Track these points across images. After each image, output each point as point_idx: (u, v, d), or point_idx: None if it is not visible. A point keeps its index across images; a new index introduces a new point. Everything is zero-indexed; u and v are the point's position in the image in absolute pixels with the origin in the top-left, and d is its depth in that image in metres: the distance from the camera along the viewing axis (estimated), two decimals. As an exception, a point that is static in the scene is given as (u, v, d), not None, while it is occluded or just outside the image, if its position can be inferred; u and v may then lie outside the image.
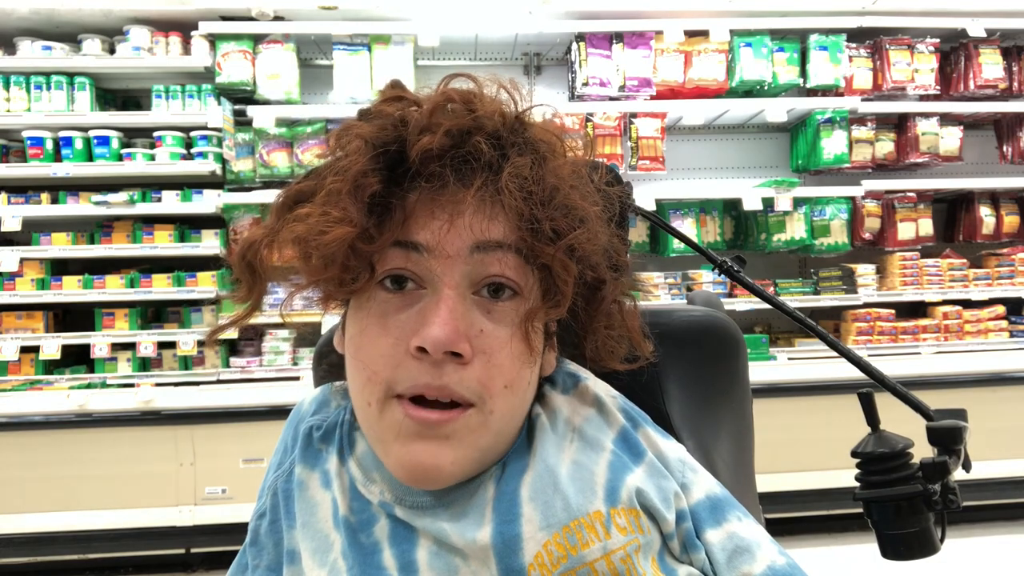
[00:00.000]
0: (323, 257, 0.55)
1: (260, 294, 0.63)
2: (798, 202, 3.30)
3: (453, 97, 0.59)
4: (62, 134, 3.03)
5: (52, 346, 2.99)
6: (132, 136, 3.15)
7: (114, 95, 3.32)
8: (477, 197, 0.56)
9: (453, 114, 0.57)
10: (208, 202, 3.03)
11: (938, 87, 3.34)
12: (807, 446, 2.98)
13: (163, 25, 3.11)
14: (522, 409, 0.62)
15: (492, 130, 0.58)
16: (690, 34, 3.24)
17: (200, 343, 3.03)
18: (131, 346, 3.05)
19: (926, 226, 3.45)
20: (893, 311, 3.35)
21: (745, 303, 3.18)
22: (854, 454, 0.73)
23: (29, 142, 3.05)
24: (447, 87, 0.60)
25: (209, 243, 3.05)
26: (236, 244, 0.62)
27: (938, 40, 3.36)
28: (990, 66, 3.35)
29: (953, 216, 3.65)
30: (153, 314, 3.24)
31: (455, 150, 0.56)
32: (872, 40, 3.37)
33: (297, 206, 0.59)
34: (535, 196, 0.57)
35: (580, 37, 3.25)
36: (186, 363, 3.09)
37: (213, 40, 3.09)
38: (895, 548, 0.71)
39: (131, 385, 3.00)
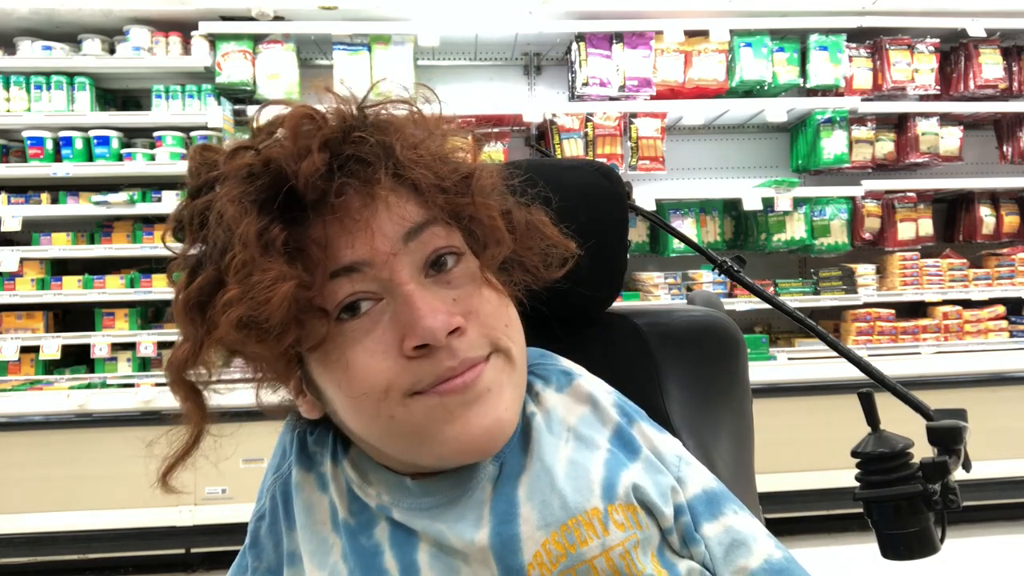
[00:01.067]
0: (278, 324, 0.52)
1: (204, 412, 0.61)
2: (798, 202, 3.30)
3: (294, 118, 0.56)
4: (62, 134, 3.03)
5: (52, 346, 2.99)
6: (132, 136, 3.14)
7: (114, 95, 3.32)
8: (376, 192, 0.55)
9: (306, 133, 0.55)
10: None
11: (938, 87, 3.34)
12: (807, 446, 2.98)
13: (163, 25, 3.11)
14: (524, 344, 0.63)
15: (350, 126, 0.56)
16: (690, 34, 3.24)
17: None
18: (131, 346, 3.05)
19: (926, 226, 3.45)
20: (893, 311, 3.35)
21: (745, 303, 3.18)
22: (854, 454, 0.73)
23: (29, 142, 3.05)
24: (278, 117, 0.57)
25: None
26: (168, 370, 0.60)
27: (938, 40, 3.36)
28: (990, 66, 3.35)
29: (953, 216, 3.65)
30: (153, 314, 3.24)
31: (334, 159, 0.54)
32: (872, 40, 3.37)
33: (209, 303, 0.54)
34: (425, 159, 0.57)
35: (580, 37, 3.25)
36: (186, 363, 3.09)
37: (213, 40, 3.09)
38: (895, 548, 0.71)
39: (131, 385, 3.00)
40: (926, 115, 3.37)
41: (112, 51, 3.13)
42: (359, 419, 0.58)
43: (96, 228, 3.13)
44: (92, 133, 3.04)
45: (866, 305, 3.34)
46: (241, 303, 0.52)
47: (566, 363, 0.71)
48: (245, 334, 0.52)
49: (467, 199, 0.58)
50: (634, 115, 3.28)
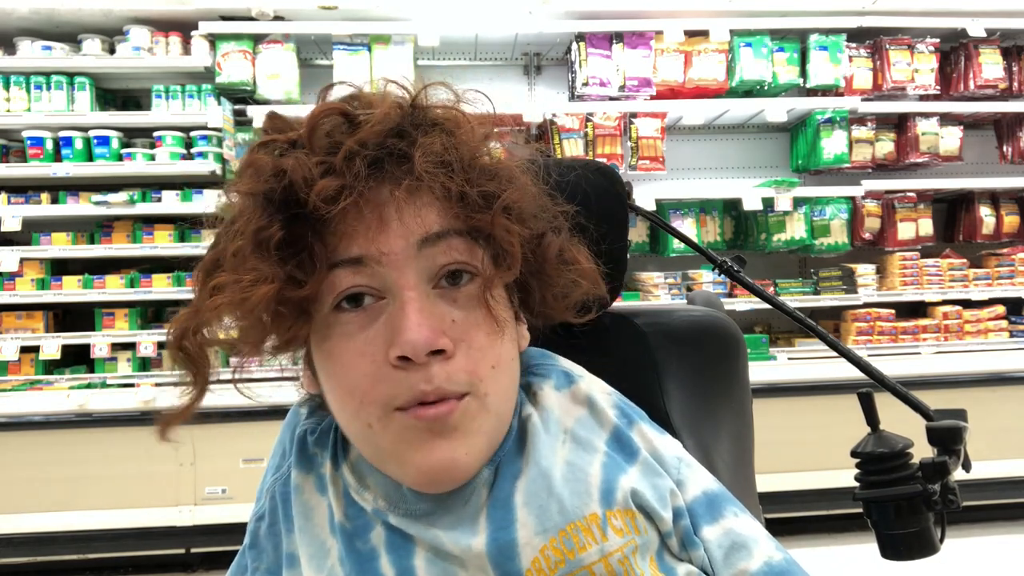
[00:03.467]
0: (254, 322, 0.54)
1: (205, 376, 0.61)
2: (798, 202, 3.30)
3: (316, 120, 0.56)
4: (62, 134, 3.03)
5: (52, 346, 2.99)
6: (132, 136, 3.14)
7: (114, 95, 3.32)
8: (402, 191, 0.55)
9: (331, 138, 0.55)
10: (208, 202, 3.02)
11: (938, 87, 3.34)
12: (807, 446, 2.98)
13: (163, 25, 3.11)
14: (513, 387, 0.62)
15: (390, 129, 0.56)
16: (690, 34, 3.24)
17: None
18: (131, 346, 3.05)
19: (926, 226, 3.45)
20: (893, 311, 3.35)
21: (745, 303, 3.18)
22: (854, 454, 0.73)
23: (29, 142, 3.05)
24: (322, 111, 0.57)
25: (209, 243, 3.05)
26: (171, 334, 0.60)
27: (938, 40, 3.36)
28: (990, 66, 3.35)
29: (953, 216, 3.65)
30: (153, 314, 3.24)
31: (363, 152, 0.54)
32: (872, 40, 3.37)
33: (212, 277, 0.57)
34: (455, 170, 0.56)
35: (580, 37, 3.25)
36: (186, 363, 3.09)
37: (213, 40, 3.09)
38: (895, 548, 0.71)
39: (131, 385, 3.00)
40: (926, 115, 3.36)
41: (112, 51, 3.13)
42: (343, 414, 0.59)
43: (96, 228, 3.13)
44: (92, 133, 3.04)
45: (866, 305, 3.34)
46: (224, 295, 0.54)
47: (567, 364, 0.70)
48: (231, 319, 0.55)
49: (487, 215, 0.57)
50: (634, 115, 3.28)
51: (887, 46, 3.31)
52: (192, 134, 3.07)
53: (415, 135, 0.56)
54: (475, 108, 0.62)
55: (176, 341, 0.59)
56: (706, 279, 3.25)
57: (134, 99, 3.34)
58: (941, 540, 0.71)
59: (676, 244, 3.25)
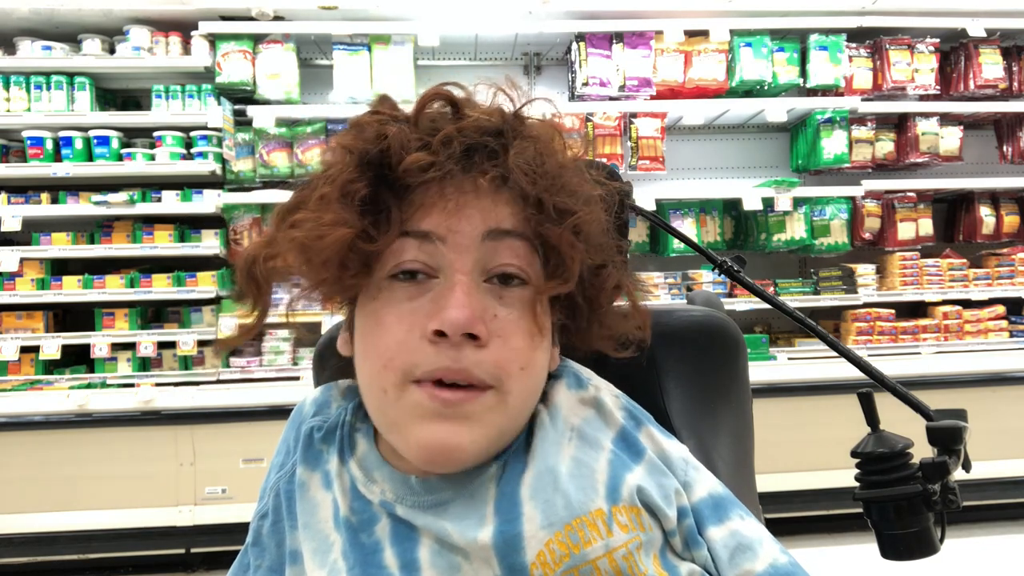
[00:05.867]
0: (323, 260, 0.57)
1: (266, 304, 0.64)
2: (798, 202, 3.30)
3: (428, 101, 0.61)
4: (62, 134, 3.03)
5: (52, 346, 2.99)
6: (132, 136, 3.14)
7: (114, 95, 3.32)
8: (484, 184, 0.58)
9: (434, 123, 0.59)
10: (208, 202, 3.03)
11: (938, 87, 3.34)
12: (807, 446, 2.98)
13: (163, 25, 3.11)
14: (535, 394, 0.63)
15: (490, 127, 0.60)
16: (690, 34, 3.24)
17: (200, 343, 3.03)
18: (131, 346, 3.05)
19: (926, 226, 3.45)
20: (893, 311, 3.35)
21: (745, 303, 3.18)
22: (854, 454, 0.73)
23: (29, 142, 3.05)
24: (434, 93, 0.61)
25: (209, 243, 3.05)
26: (238, 256, 0.64)
27: (938, 40, 3.36)
28: (990, 66, 3.35)
29: (953, 216, 3.65)
30: (153, 314, 3.24)
31: (460, 139, 0.58)
32: (872, 40, 3.37)
33: (292, 215, 0.60)
34: (540, 177, 0.59)
35: (580, 37, 3.25)
36: (186, 363, 3.09)
37: (213, 40, 3.09)
38: (895, 548, 0.71)
39: (131, 385, 3.00)
40: (926, 115, 3.37)
41: (112, 51, 3.13)
42: (363, 374, 0.61)
43: (96, 228, 3.13)
44: (92, 133, 3.04)
45: (866, 305, 3.34)
46: (301, 229, 0.58)
47: (578, 368, 0.71)
48: (300, 256, 0.59)
49: (557, 228, 0.59)
50: (634, 115, 3.28)
51: (887, 46, 3.31)
52: (192, 134, 3.07)
53: (510, 138, 0.60)
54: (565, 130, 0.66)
55: (246, 266, 0.62)
56: (706, 279, 3.25)
57: (134, 99, 3.34)
58: (941, 540, 0.71)
59: (676, 244, 3.25)
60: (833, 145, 3.29)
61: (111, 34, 3.13)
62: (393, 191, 0.58)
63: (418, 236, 0.58)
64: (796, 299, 3.29)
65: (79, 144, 3.03)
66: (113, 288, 3.02)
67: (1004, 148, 3.58)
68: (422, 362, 0.56)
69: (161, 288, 3.02)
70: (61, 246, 3.05)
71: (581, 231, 0.61)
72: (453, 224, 0.57)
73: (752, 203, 3.22)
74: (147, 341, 3.02)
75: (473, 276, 0.58)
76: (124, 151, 3.04)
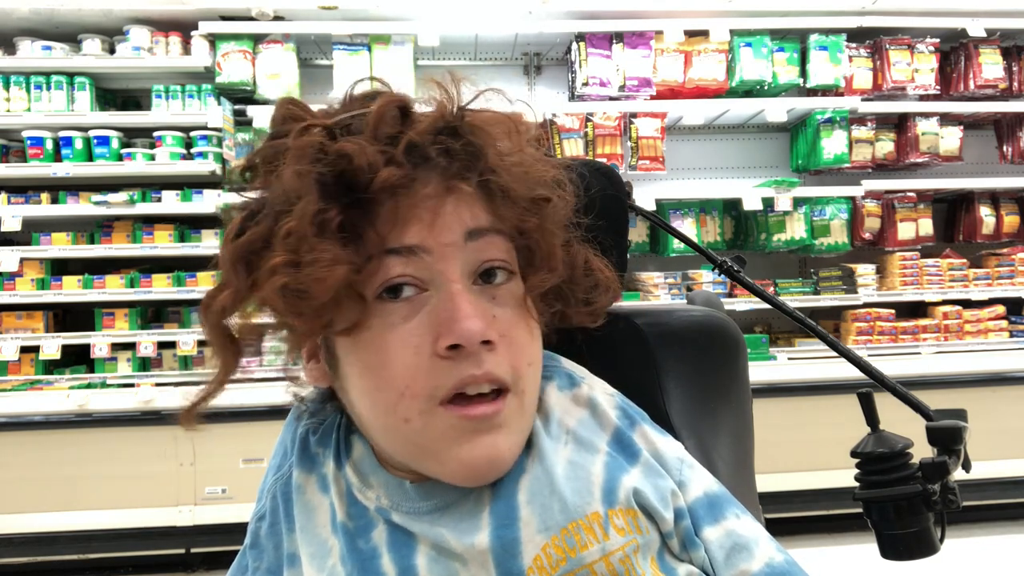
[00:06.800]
0: (320, 304, 0.53)
1: (238, 355, 0.62)
2: (798, 202, 3.30)
3: (381, 112, 0.57)
4: (62, 134, 3.03)
5: (52, 346, 2.99)
6: (132, 136, 3.14)
7: (114, 95, 3.32)
8: (453, 186, 0.56)
9: (386, 129, 0.56)
10: (208, 202, 3.03)
11: (938, 87, 3.34)
12: (807, 446, 2.98)
13: (163, 25, 3.11)
14: (539, 388, 0.63)
15: (444, 127, 0.57)
16: (690, 34, 3.24)
17: (200, 343, 3.03)
18: (131, 346, 3.05)
19: (926, 226, 3.45)
20: (893, 311, 3.35)
21: (745, 303, 3.18)
22: (854, 454, 0.73)
23: (29, 142, 3.05)
24: (389, 101, 0.57)
25: (209, 243, 3.05)
26: (205, 308, 0.60)
27: (938, 40, 3.36)
28: (990, 66, 3.35)
29: (953, 216, 3.65)
30: (153, 314, 3.24)
31: (418, 150, 0.56)
32: (872, 40, 3.37)
33: (255, 256, 0.56)
34: (506, 170, 0.58)
35: (580, 37, 3.25)
36: (186, 363, 3.09)
37: (213, 40, 3.09)
38: (895, 548, 0.71)
39: (131, 385, 3.00)
40: (926, 115, 3.36)
41: (112, 51, 3.13)
42: (374, 409, 0.58)
43: (96, 228, 3.13)
44: (92, 133, 3.04)
45: (866, 305, 3.34)
46: (291, 271, 0.53)
47: (570, 365, 0.71)
48: (287, 302, 0.54)
49: (536, 219, 0.59)
50: (634, 115, 3.28)
51: (887, 46, 3.31)
52: (192, 134, 3.07)
53: (467, 135, 0.57)
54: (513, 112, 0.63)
55: (217, 320, 0.59)
56: (706, 279, 3.25)
57: (134, 99, 3.34)
58: (941, 540, 0.71)
59: (676, 244, 3.25)
60: (833, 145, 3.29)
61: (111, 34, 3.13)
62: (362, 209, 0.55)
63: (402, 253, 0.55)
64: (796, 299, 3.29)
65: (79, 144, 3.03)
66: (113, 288, 3.02)
67: (1004, 148, 3.58)
68: (444, 381, 0.55)
69: (161, 288, 3.02)
70: (61, 246, 3.05)
71: (554, 216, 0.60)
72: (435, 233, 0.55)
73: (752, 203, 3.22)
74: (147, 341, 3.02)
75: (464, 282, 0.56)
76: (124, 151, 3.04)
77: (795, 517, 3.08)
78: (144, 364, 3.09)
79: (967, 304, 3.37)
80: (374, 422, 0.59)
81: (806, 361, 3.14)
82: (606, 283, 0.67)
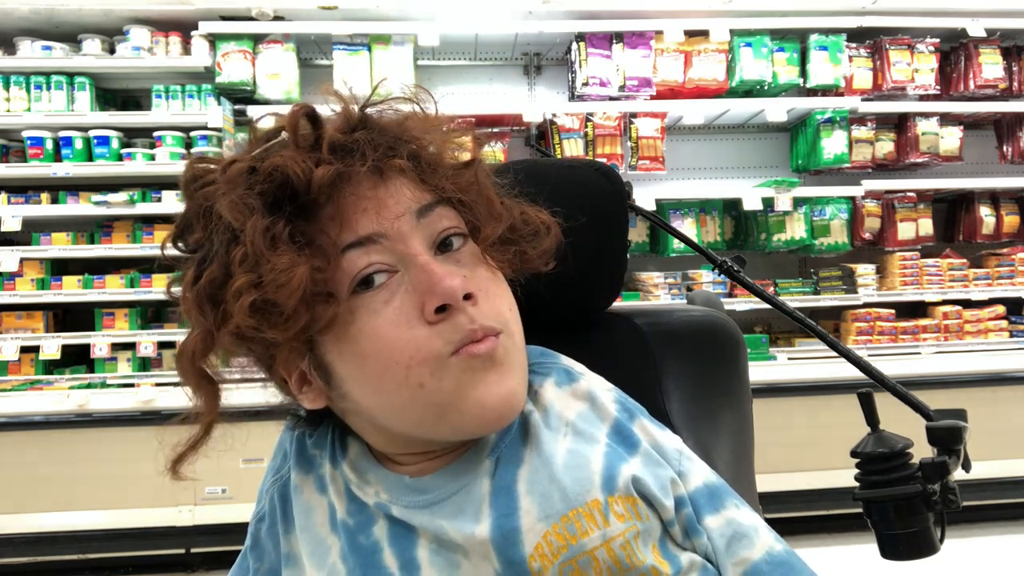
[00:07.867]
0: (291, 311, 0.54)
1: (217, 396, 0.64)
2: (798, 202, 3.30)
3: (294, 119, 0.58)
4: (62, 134, 3.03)
5: (52, 346, 2.99)
6: (132, 136, 3.14)
7: (114, 95, 3.32)
8: (386, 170, 0.59)
9: (304, 137, 0.58)
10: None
11: (938, 87, 3.34)
12: (807, 446, 2.98)
13: (163, 25, 3.11)
14: (522, 332, 0.64)
15: (356, 120, 0.60)
16: (690, 34, 3.24)
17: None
18: (131, 346, 3.05)
19: (926, 226, 3.45)
20: (893, 311, 3.35)
21: (745, 303, 3.18)
22: (853, 454, 0.73)
23: (29, 142, 3.05)
24: (299, 110, 0.59)
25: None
26: (180, 356, 0.61)
27: (938, 40, 3.36)
28: (990, 66, 3.35)
29: (953, 216, 3.65)
30: (153, 314, 3.24)
31: (343, 148, 0.58)
32: (872, 40, 3.37)
33: (218, 291, 0.56)
34: (426, 147, 0.61)
35: (580, 37, 3.25)
36: (186, 363, 3.09)
37: (213, 40, 3.09)
38: (895, 548, 0.71)
39: (131, 385, 3.00)
40: (926, 115, 3.37)
41: (112, 51, 3.13)
42: (381, 390, 0.58)
43: (96, 228, 3.13)
44: (92, 133, 3.04)
45: (866, 305, 3.34)
46: (255, 289, 0.53)
47: (567, 362, 0.71)
48: (259, 319, 0.54)
49: (471, 179, 0.62)
50: (634, 115, 3.28)
51: (887, 46, 3.31)
52: (192, 134, 3.07)
53: (379, 123, 0.61)
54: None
55: (191, 365, 0.60)
56: (706, 279, 3.25)
57: (134, 99, 3.34)
58: (941, 540, 0.71)
59: (676, 244, 3.25)
60: (833, 145, 3.29)
61: (111, 34, 3.13)
62: (306, 217, 0.56)
63: (362, 244, 0.56)
64: (796, 299, 3.29)
65: (79, 144, 3.03)
66: (113, 288, 3.02)
67: (1004, 148, 3.58)
68: (450, 338, 0.56)
69: (161, 288, 3.02)
70: (61, 246, 3.05)
71: (486, 172, 0.64)
72: (385, 218, 0.57)
73: (752, 203, 3.22)
74: (147, 341, 3.02)
75: (429, 253, 0.59)
76: (124, 151, 3.04)
77: (795, 517, 3.08)
78: (144, 364, 3.09)
79: (967, 304, 3.37)
80: (387, 406, 0.59)
81: (806, 361, 3.14)
82: (545, 226, 0.68)
